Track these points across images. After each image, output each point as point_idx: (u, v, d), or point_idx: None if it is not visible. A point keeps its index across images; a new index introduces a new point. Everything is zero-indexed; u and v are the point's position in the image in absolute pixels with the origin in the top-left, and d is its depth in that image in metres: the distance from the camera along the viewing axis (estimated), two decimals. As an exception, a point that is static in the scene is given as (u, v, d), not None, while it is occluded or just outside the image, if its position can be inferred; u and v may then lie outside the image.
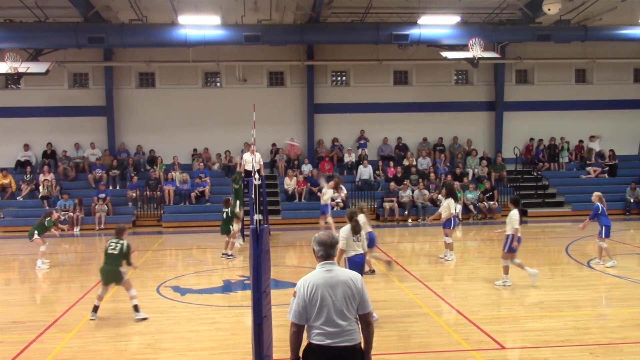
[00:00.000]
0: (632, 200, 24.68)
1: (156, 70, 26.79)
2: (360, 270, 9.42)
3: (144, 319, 10.05)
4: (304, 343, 5.04)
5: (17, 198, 24.20)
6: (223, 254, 16.08)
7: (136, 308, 10.16)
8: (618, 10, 22.88)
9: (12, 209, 23.65)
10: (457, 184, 24.19)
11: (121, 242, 10.33)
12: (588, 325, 9.61)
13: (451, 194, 15.62)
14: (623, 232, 20.11)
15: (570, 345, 8.66)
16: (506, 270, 12.35)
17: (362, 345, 5.04)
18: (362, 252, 9.75)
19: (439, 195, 21.44)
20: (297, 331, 4.99)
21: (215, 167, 26.14)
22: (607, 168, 26.90)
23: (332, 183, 18.20)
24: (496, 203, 24.54)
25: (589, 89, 28.49)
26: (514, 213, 12.24)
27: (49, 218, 15.79)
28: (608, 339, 8.90)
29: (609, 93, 28.30)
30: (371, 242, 12.50)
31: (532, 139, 28.02)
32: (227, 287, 12.80)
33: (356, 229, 9.71)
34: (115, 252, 10.20)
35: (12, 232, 21.98)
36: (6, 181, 24.44)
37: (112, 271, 10.19)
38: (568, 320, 9.85)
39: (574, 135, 28.09)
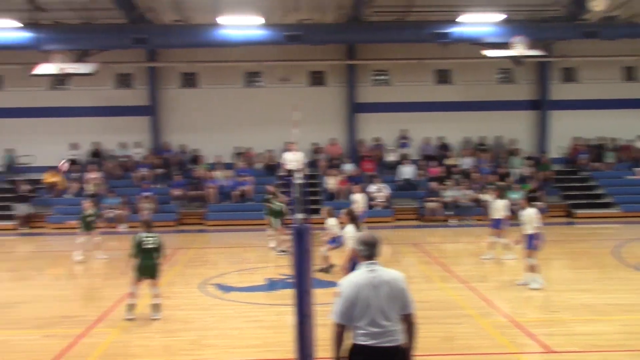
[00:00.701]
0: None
1: (199, 71, 27.13)
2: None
3: (157, 319, 10.13)
4: (348, 343, 5.02)
5: (65, 196, 24.82)
6: (279, 251, 16.44)
7: (157, 308, 10.23)
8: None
9: (61, 206, 24.26)
10: (500, 184, 23.86)
11: (154, 235, 10.38)
12: (637, 330, 9.34)
13: (503, 194, 15.59)
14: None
15: (620, 350, 8.43)
16: (535, 269, 12.10)
17: (404, 347, 5.00)
18: None
19: (486, 196, 21.12)
20: (340, 331, 4.99)
21: (258, 166, 26.32)
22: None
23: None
24: (542, 203, 24.04)
25: (637, 87, 27.69)
26: (533, 212, 12.14)
27: (82, 212, 16.74)
28: (660, 344, 8.65)
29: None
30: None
31: (578, 138, 27.39)
32: (270, 285, 12.87)
33: (358, 226, 10.25)
34: (155, 246, 10.28)
35: (61, 229, 22.51)
36: (56, 179, 25.11)
37: (153, 265, 10.24)
38: (618, 324, 9.60)
39: (622, 134, 27.35)
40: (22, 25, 21.86)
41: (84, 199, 19.76)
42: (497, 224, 15.31)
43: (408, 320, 5.00)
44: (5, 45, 22.27)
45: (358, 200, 17.54)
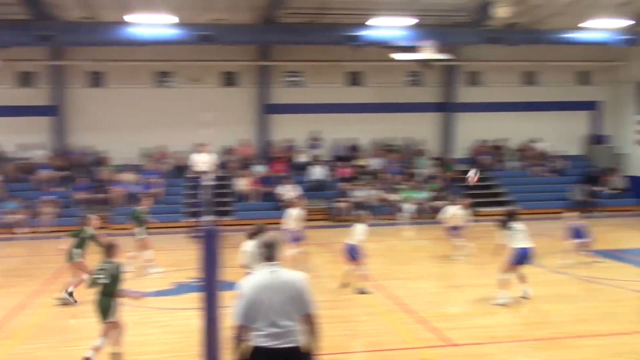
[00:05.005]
0: (578, 199, 25.30)
1: (106, 70, 26.27)
2: None
3: None
4: (247, 345, 5.00)
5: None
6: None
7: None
8: (565, 14, 23.41)
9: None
10: (407, 184, 24.53)
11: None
12: (531, 321, 9.86)
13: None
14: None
15: (517, 340, 8.89)
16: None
17: (306, 347, 5.03)
18: None
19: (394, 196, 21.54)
20: (240, 333, 4.98)
21: (167, 167, 25.73)
22: (553, 167, 27.61)
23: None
24: (446, 202, 24.85)
25: (536, 90, 29.09)
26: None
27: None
28: (551, 333, 9.16)
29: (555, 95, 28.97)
30: None
31: (482, 140, 28.47)
32: (178, 289, 12.67)
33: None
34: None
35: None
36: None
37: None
38: (515, 316, 10.09)
39: (521, 135, 28.64)
40: None
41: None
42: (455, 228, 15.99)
43: (309, 321, 5.03)
44: None
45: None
